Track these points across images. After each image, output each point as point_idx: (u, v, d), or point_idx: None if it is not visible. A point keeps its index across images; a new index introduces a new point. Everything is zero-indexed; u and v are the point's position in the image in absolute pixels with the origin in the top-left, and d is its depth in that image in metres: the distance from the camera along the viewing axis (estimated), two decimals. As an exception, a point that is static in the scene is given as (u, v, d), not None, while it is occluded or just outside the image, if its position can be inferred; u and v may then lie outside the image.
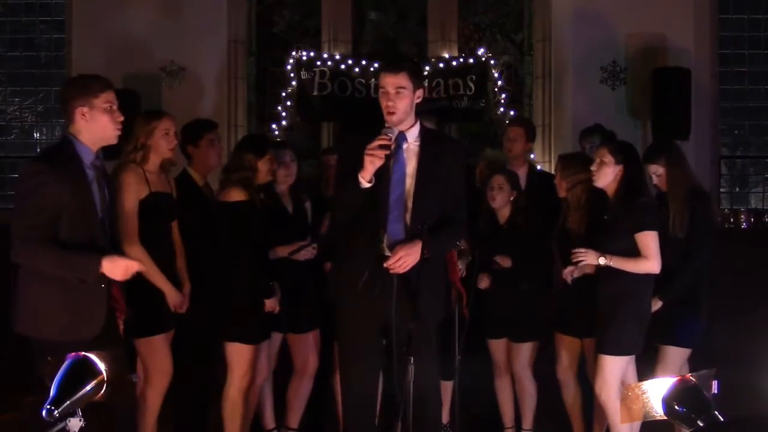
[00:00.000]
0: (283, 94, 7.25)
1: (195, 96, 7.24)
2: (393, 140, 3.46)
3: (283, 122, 7.20)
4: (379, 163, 3.41)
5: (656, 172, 4.26)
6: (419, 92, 3.60)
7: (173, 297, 4.08)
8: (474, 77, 7.12)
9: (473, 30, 7.86)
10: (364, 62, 7.23)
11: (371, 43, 7.86)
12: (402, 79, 3.52)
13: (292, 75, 7.19)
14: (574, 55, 7.38)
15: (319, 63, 7.18)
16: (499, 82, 7.23)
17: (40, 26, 7.93)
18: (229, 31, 7.51)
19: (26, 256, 3.19)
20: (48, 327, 3.21)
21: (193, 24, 7.33)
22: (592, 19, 7.29)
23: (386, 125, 3.53)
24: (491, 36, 7.87)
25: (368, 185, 3.44)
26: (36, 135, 8.02)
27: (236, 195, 4.19)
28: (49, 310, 3.21)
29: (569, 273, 4.22)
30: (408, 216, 3.53)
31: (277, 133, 7.11)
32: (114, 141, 3.44)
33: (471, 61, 7.22)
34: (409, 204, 3.54)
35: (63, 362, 2.54)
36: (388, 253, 3.47)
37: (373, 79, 7.12)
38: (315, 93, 7.15)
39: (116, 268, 3.22)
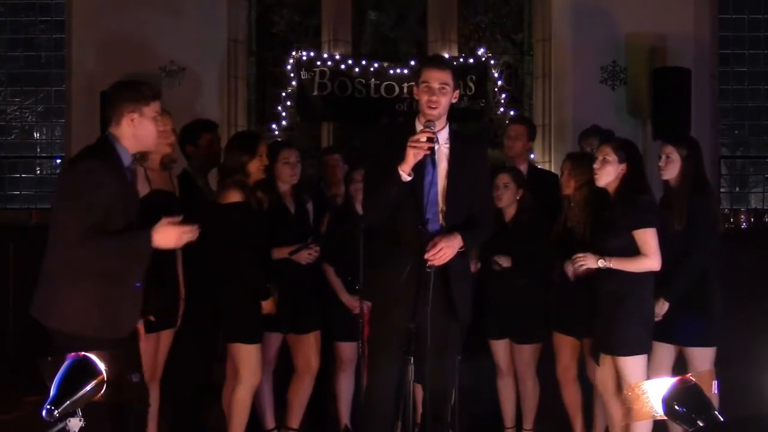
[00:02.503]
0: (283, 94, 7.26)
1: (195, 96, 7.25)
2: (436, 135, 3.46)
3: (283, 122, 7.21)
4: (421, 156, 3.40)
5: (671, 154, 4.22)
6: (456, 93, 3.63)
7: None
8: (474, 77, 7.14)
9: (473, 30, 7.87)
10: (364, 62, 7.24)
11: (371, 43, 7.86)
12: (447, 76, 3.56)
13: (292, 75, 7.20)
14: (574, 55, 7.38)
15: (319, 63, 7.19)
16: (499, 82, 7.25)
17: (40, 26, 7.94)
18: (229, 31, 7.52)
19: (88, 253, 3.19)
20: (86, 323, 3.22)
21: (193, 24, 7.33)
22: (592, 19, 7.30)
23: (427, 120, 3.53)
24: (491, 36, 7.88)
25: (409, 178, 3.44)
26: (36, 135, 8.03)
27: (232, 196, 4.19)
28: (87, 307, 3.22)
29: (571, 270, 4.21)
30: (442, 217, 3.56)
31: (277, 132, 7.12)
32: (153, 149, 3.57)
33: (471, 61, 7.23)
34: (443, 205, 3.57)
35: (63, 362, 2.54)
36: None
37: (373, 79, 7.15)
38: (315, 93, 7.17)
39: (168, 236, 3.24)
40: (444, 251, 3.42)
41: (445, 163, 3.58)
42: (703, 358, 4.13)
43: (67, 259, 3.20)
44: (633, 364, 3.90)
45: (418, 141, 3.39)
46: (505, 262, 4.55)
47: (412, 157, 3.40)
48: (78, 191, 3.20)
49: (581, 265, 3.98)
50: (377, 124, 7.02)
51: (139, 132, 3.34)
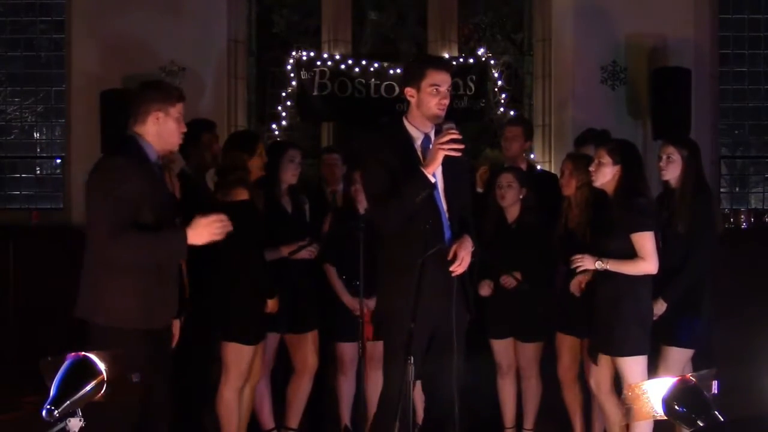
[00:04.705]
0: (283, 94, 7.25)
1: (195, 96, 7.22)
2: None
3: (283, 122, 7.21)
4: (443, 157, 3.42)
5: (672, 154, 4.22)
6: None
7: None
8: (474, 77, 7.13)
9: (473, 30, 7.86)
10: (364, 62, 7.23)
11: (371, 43, 7.85)
12: (450, 78, 3.60)
13: (292, 75, 7.20)
14: (574, 55, 7.37)
15: (319, 63, 7.18)
16: (499, 82, 7.25)
17: (40, 26, 7.92)
18: (229, 31, 7.50)
19: (120, 249, 3.24)
20: (128, 316, 3.27)
21: (193, 24, 7.32)
22: (592, 19, 7.29)
23: (446, 123, 3.52)
24: (491, 36, 7.86)
25: (434, 180, 3.46)
26: (36, 135, 8.01)
27: (240, 194, 4.19)
28: (128, 299, 3.28)
29: (577, 286, 4.23)
30: (448, 218, 3.57)
31: (277, 132, 7.12)
32: (175, 148, 3.61)
33: (471, 61, 7.23)
34: (445, 206, 3.58)
35: (63, 362, 2.54)
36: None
37: (373, 79, 7.14)
38: (315, 93, 7.16)
39: (201, 232, 3.28)
40: (465, 260, 3.46)
41: (440, 167, 3.54)
42: (680, 358, 4.14)
43: (103, 256, 3.27)
44: (633, 365, 3.91)
45: (447, 143, 3.38)
46: (510, 282, 4.54)
47: (440, 159, 3.42)
48: (105, 188, 3.27)
49: (578, 267, 3.99)
50: (374, 126, 6.99)
51: (163, 131, 3.42)
